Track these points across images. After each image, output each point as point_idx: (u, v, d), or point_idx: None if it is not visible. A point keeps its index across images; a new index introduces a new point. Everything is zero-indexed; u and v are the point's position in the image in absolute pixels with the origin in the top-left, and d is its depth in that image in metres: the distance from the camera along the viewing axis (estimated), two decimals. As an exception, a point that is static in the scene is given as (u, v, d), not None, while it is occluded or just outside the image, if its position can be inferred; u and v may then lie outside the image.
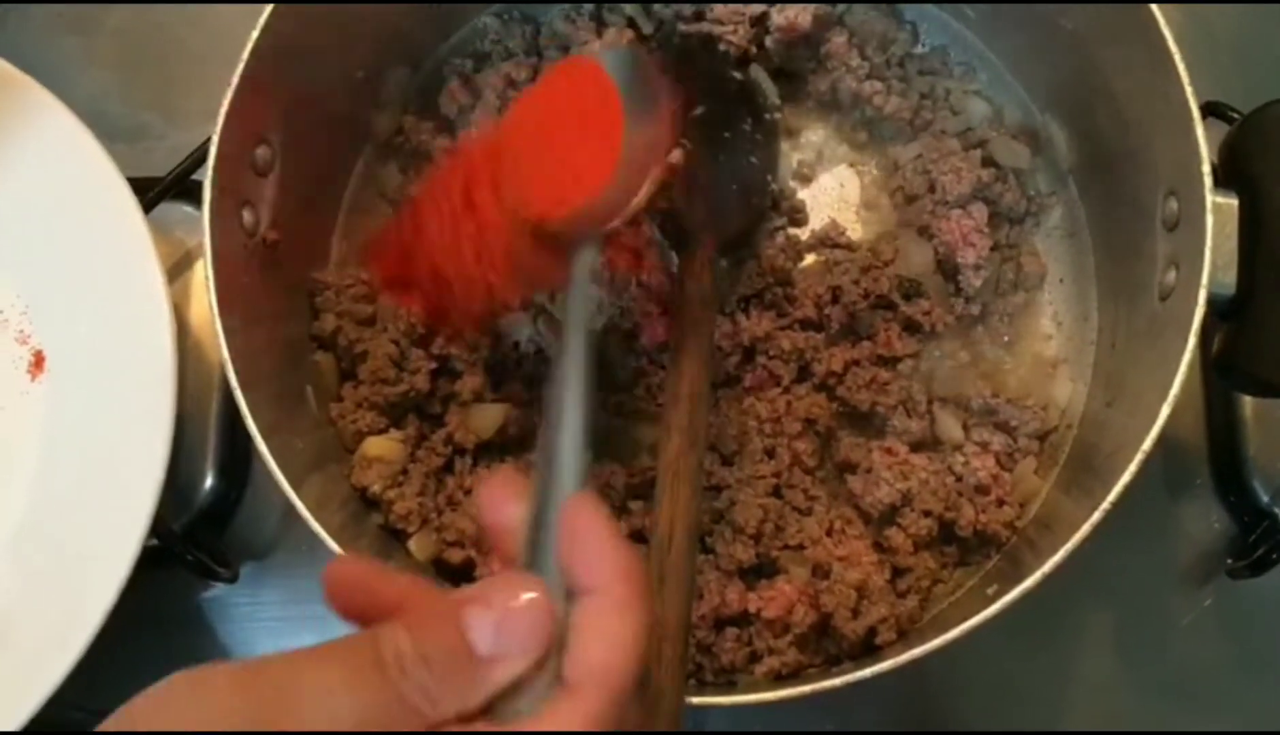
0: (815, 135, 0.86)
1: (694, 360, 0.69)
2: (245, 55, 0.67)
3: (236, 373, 0.65)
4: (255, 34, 0.68)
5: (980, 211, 0.79)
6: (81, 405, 0.79)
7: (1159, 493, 0.83)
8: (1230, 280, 0.64)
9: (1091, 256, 0.80)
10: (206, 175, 0.67)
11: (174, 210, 0.86)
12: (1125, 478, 0.61)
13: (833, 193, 0.85)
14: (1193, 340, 0.61)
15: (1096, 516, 0.61)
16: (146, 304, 0.75)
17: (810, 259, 0.82)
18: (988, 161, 0.81)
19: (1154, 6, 0.66)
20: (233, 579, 0.82)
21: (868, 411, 0.78)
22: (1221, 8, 0.91)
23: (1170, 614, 0.82)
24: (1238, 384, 0.66)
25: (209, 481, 0.84)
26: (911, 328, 0.80)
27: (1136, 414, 0.65)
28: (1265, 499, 0.81)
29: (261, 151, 0.72)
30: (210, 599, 0.85)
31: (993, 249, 0.79)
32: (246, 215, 0.71)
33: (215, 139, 0.67)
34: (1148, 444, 0.61)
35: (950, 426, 0.78)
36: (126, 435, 0.74)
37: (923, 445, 0.78)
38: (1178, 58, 0.64)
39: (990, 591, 0.68)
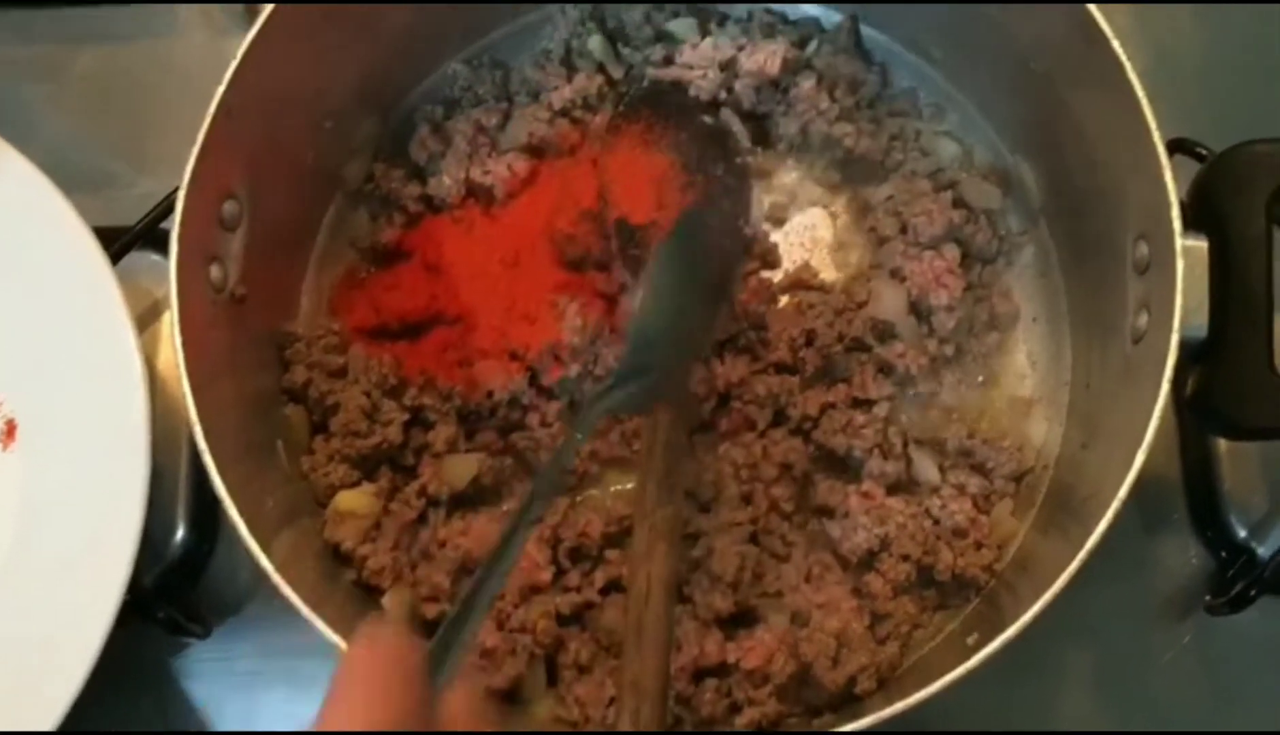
0: (787, 177, 0.86)
1: (668, 409, 0.69)
2: (211, 111, 0.67)
3: (204, 432, 0.64)
4: (221, 89, 0.67)
5: (952, 252, 0.79)
6: (56, 472, 0.77)
7: (1136, 529, 0.83)
8: (1202, 322, 0.64)
9: (1064, 296, 0.81)
10: (172, 234, 0.66)
11: (142, 259, 0.85)
12: (1101, 526, 0.60)
13: (805, 234, 0.85)
14: (1165, 387, 0.61)
15: (1074, 566, 0.61)
16: (118, 363, 0.74)
17: (784, 301, 0.82)
18: (959, 202, 0.81)
19: (1118, 47, 0.66)
20: (205, 634, 0.81)
21: (844, 455, 0.78)
22: (1186, 40, 0.92)
23: (1150, 651, 0.82)
24: (1211, 427, 0.66)
25: (180, 534, 0.83)
26: (886, 370, 0.79)
27: (1112, 458, 0.65)
28: (1242, 534, 0.81)
29: (229, 206, 0.71)
30: (179, 655, 0.83)
31: (965, 289, 0.79)
32: (214, 271, 0.71)
33: (181, 197, 0.66)
34: (1123, 492, 0.61)
35: (927, 468, 0.78)
36: (102, 498, 0.73)
37: (899, 488, 0.78)
38: (1145, 104, 0.64)
39: (970, 641, 0.68)
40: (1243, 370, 0.63)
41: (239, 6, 0.94)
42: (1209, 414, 0.65)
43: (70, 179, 0.90)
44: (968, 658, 0.62)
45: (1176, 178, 0.69)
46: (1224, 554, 0.82)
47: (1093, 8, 0.66)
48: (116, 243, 0.81)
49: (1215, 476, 0.82)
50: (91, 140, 0.94)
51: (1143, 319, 0.67)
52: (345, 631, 0.64)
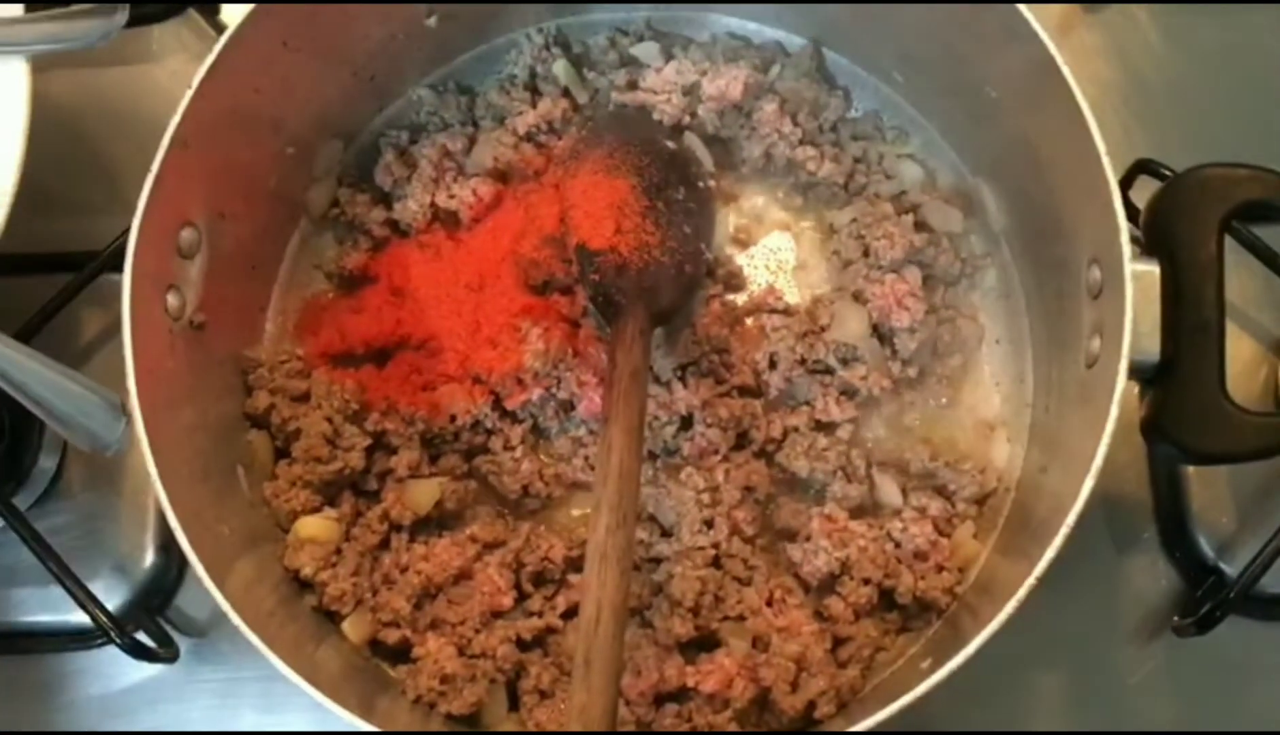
0: (752, 200, 0.86)
1: (624, 434, 0.69)
2: (165, 143, 0.67)
3: (158, 461, 0.64)
4: (175, 121, 0.67)
5: (914, 275, 0.79)
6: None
7: (1106, 549, 0.83)
8: (1154, 348, 0.64)
9: (1026, 318, 0.81)
10: (126, 264, 0.66)
11: (114, 282, 0.85)
12: (1049, 554, 0.60)
13: (770, 257, 0.85)
14: (1114, 413, 0.61)
15: (1021, 593, 0.60)
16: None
17: (748, 323, 0.82)
18: (921, 225, 0.81)
19: (1068, 74, 0.66)
20: (173, 658, 0.81)
21: (807, 477, 0.78)
22: (1158, 59, 0.92)
23: (1119, 672, 0.82)
24: (1165, 452, 0.66)
25: (149, 558, 0.83)
26: (849, 392, 0.79)
27: (1067, 482, 0.65)
28: (1211, 554, 0.80)
29: (186, 235, 0.72)
30: (146, 679, 0.83)
31: (928, 312, 0.79)
32: (171, 299, 0.71)
33: (135, 227, 0.66)
34: (1071, 518, 0.60)
35: (890, 491, 0.78)
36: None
37: (863, 510, 0.78)
38: (1095, 130, 0.64)
39: (924, 666, 0.68)
40: (1194, 396, 0.63)
41: (213, 32, 0.94)
42: (1162, 440, 0.64)
43: (44, 204, 0.91)
44: (923, 679, 0.62)
45: (1142, 199, 0.69)
46: (1193, 574, 0.81)
47: (1045, 36, 0.66)
48: (86, 267, 0.81)
49: (1184, 496, 0.81)
50: (66, 165, 0.94)
51: (1095, 343, 0.67)
52: (300, 662, 0.64)
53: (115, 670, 0.83)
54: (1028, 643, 0.80)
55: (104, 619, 0.75)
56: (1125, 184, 0.79)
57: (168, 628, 0.83)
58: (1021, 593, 0.60)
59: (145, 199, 0.67)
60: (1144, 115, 0.89)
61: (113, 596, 0.80)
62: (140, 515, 0.84)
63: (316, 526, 0.75)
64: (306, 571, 0.73)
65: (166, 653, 0.80)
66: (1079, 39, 0.91)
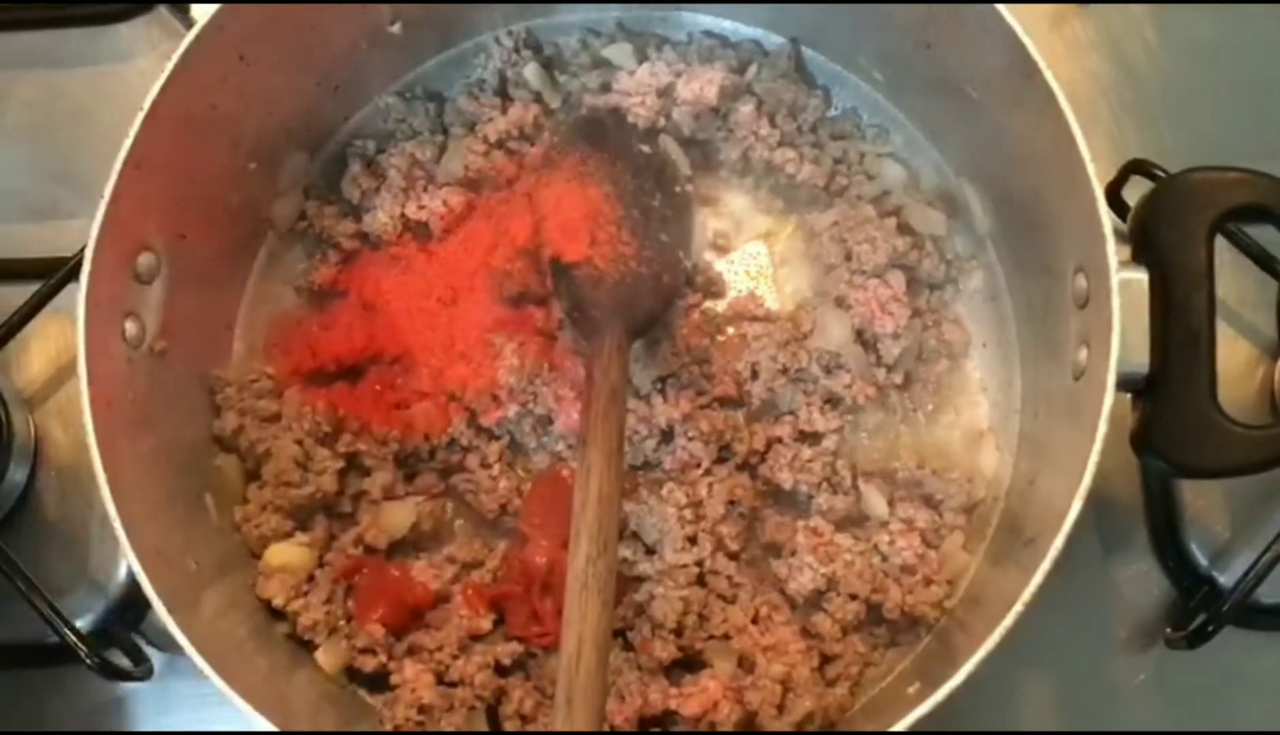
0: (732, 204, 0.83)
1: (603, 457, 0.67)
2: (117, 166, 0.65)
3: (115, 497, 0.62)
4: (127, 143, 0.65)
5: (897, 280, 0.77)
6: None
7: (1098, 557, 0.81)
8: (1143, 359, 0.62)
9: (1013, 323, 0.79)
10: (79, 294, 0.64)
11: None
12: (1037, 578, 0.59)
13: (750, 262, 0.83)
14: (1102, 430, 0.59)
15: (1009, 621, 0.59)
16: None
17: (729, 332, 0.80)
18: (904, 228, 0.79)
19: (1050, 78, 0.63)
20: (146, 676, 0.79)
21: (791, 490, 0.76)
22: (1153, 55, 0.89)
23: (1111, 683, 0.80)
24: (1155, 467, 0.64)
25: (123, 574, 0.80)
26: (833, 401, 0.77)
27: (1055, 495, 0.63)
28: (1204, 562, 0.78)
29: (144, 260, 0.69)
30: (121, 695, 0.81)
31: (913, 316, 0.77)
32: (130, 327, 0.69)
33: (88, 256, 0.64)
34: (1059, 541, 0.59)
35: (876, 502, 0.76)
36: None
37: (849, 522, 0.76)
38: (1078, 134, 0.62)
39: (912, 690, 0.66)
40: (1184, 410, 0.61)
41: (183, 30, 0.92)
42: (1152, 455, 0.63)
43: (12, 206, 0.89)
44: (911, 707, 0.61)
45: (1135, 200, 0.66)
46: (1185, 583, 0.79)
47: (1025, 37, 0.64)
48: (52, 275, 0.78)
49: (1177, 504, 0.79)
50: (34, 167, 0.91)
51: (1083, 354, 0.65)
52: (269, 697, 0.62)
53: (91, 685, 0.81)
54: (1018, 652, 0.77)
55: (73, 638, 0.73)
56: (1117, 184, 0.77)
57: (143, 643, 0.81)
58: (1008, 621, 0.59)
59: (97, 227, 0.64)
60: (1138, 111, 0.87)
61: (86, 612, 0.78)
62: (113, 530, 0.81)
63: (288, 554, 0.73)
64: (278, 601, 0.72)
65: (139, 671, 0.78)
66: (1072, 32, 0.89)
